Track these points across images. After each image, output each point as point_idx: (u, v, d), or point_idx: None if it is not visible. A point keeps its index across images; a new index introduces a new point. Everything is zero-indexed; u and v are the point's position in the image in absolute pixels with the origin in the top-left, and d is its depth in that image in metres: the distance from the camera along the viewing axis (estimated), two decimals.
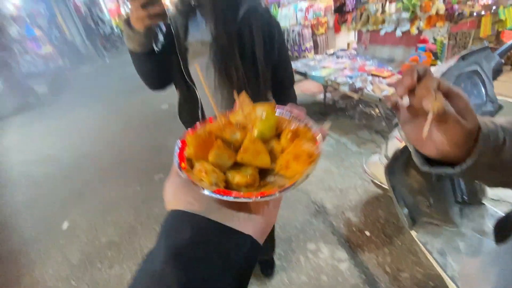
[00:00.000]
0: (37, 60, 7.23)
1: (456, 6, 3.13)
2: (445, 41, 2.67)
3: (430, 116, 0.30)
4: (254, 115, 0.30)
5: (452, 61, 0.90)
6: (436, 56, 2.65)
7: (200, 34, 0.89)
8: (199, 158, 0.27)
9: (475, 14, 3.34)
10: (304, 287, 1.53)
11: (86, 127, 4.38)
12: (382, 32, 3.26)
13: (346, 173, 2.32)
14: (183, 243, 0.23)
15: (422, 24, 2.87)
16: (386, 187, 1.41)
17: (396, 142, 1.40)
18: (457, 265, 1.14)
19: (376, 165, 1.72)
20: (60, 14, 9.43)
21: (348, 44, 4.93)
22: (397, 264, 1.54)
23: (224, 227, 0.24)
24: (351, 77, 2.79)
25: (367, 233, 1.76)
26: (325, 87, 3.22)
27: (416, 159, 0.41)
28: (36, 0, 8.44)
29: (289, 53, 3.75)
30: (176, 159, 0.28)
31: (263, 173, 0.28)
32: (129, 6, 0.77)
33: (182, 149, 0.29)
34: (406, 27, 2.95)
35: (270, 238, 1.53)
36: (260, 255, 1.62)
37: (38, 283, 1.80)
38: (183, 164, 0.27)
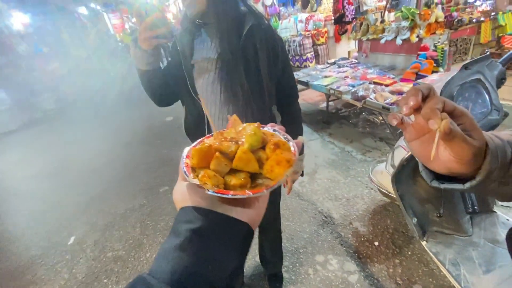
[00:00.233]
0: (45, 76, 7.40)
1: (455, 13, 3.17)
2: (446, 48, 2.69)
3: (437, 137, 0.31)
4: (244, 132, 0.37)
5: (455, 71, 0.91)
6: (437, 63, 2.66)
7: (205, 52, 0.92)
8: (202, 166, 0.34)
9: (474, 20, 3.38)
10: None
11: (92, 140, 4.43)
12: (382, 41, 3.29)
13: (352, 182, 2.30)
14: (197, 229, 0.29)
15: (422, 32, 2.90)
16: (393, 195, 1.40)
17: (402, 151, 1.40)
18: (471, 276, 1.11)
19: (382, 173, 1.70)
20: (66, 31, 9.72)
21: (349, 53, 4.99)
22: (408, 275, 1.51)
23: (227, 217, 0.31)
24: (353, 86, 2.81)
25: (376, 243, 1.73)
26: (328, 96, 3.24)
27: (424, 175, 0.41)
28: (43, 18, 8.73)
29: (291, 63, 3.80)
30: (183, 168, 0.35)
31: (253, 176, 0.35)
32: (135, 23, 0.80)
33: (186, 160, 0.37)
34: (406, 35, 2.98)
35: (278, 251, 1.51)
36: (268, 269, 1.60)
37: None
38: (191, 173, 0.34)
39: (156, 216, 2.35)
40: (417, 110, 0.34)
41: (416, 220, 1.30)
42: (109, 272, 1.89)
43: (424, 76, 2.60)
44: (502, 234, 1.23)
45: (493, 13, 3.50)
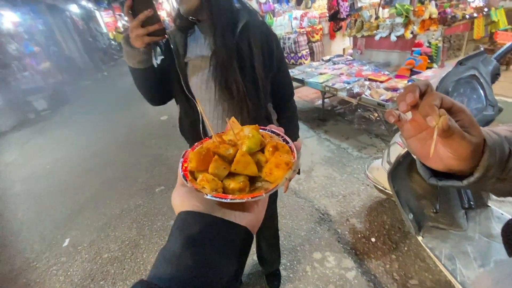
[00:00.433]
0: (36, 76, 7.27)
1: (448, 10, 3.19)
2: (440, 44, 2.70)
3: (435, 134, 0.30)
4: (243, 134, 0.37)
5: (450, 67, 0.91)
6: (431, 59, 2.67)
7: (199, 49, 0.90)
8: (200, 170, 0.34)
9: (467, 16, 3.40)
10: None
11: (86, 141, 4.38)
12: (377, 37, 3.30)
13: (349, 179, 2.31)
14: (195, 234, 0.29)
15: (416, 28, 2.91)
16: (390, 192, 1.41)
17: (397, 147, 1.40)
18: (467, 271, 1.13)
19: (378, 170, 1.71)
20: (58, 29, 9.56)
21: (344, 50, 4.99)
22: (405, 270, 1.52)
23: (225, 221, 0.31)
24: (348, 83, 2.81)
25: (373, 239, 1.74)
26: (323, 93, 3.24)
27: (422, 172, 0.40)
28: (34, 16, 8.57)
29: (286, 60, 3.79)
30: (181, 173, 0.34)
31: (252, 179, 0.34)
32: (128, 21, 0.78)
33: (184, 164, 0.36)
34: (400, 31, 2.99)
35: (275, 249, 1.51)
36: (266, 268, 1.60)
37: None
38: (189, 177, 0.34)
39: (153, 216, 2.33)
40: (414, 106, 0.34)
41: (412, 215, 1.31)
42: (105, 274, 1.87)
43: (419, 73, 2.61)
44: (497, 228, 1.25)
45: (486, 9, 3.53)
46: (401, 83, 2.51)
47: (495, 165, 0.33)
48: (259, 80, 0.88)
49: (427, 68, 2.65)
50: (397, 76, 2.71)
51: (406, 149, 1.19)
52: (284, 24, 5.35)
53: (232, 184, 0.32)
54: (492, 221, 1.29)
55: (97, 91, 7.99)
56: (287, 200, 2.19)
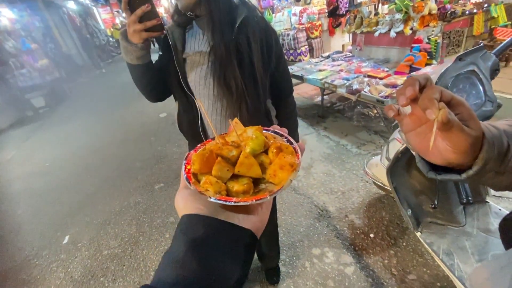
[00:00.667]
0: (34, 73, 7.22)
1: (448, 6, 3.17)
2: (439, 40, 2.69)
3: (435, 127, 0.30)
4: (246, 136, 0.36)
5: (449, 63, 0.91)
6: (431, 56, 2.67)
7: (197, 45, 0.89)
8: (203, 172, 0.33)
9: (467, 12, 3.39)
10: None
11: (85, 138, 4.36)
12: (376, 34, 3.28)
13: (348, 175, 2.32)
14: (199, 238, 0.28)
15: (415, 24, 2.90)
16: (388, 188, 1.41)
17: (396, 143, 1.40)
18: (465, 266, 1.13)
19: (377, 166, 1.71)
20: (55, 26, 9.48)
21: (343, 46, 4.98)
22: (403, 266, 1.53)
23: (229, 224, 0.30)
24: (347, 79, 2.80)
25: (371, 235, 1.75)
26: (322, 90, 3.24)
27: (421, 166, 0.40)
28: (30, 13, 8.48)
29: (285, 57, 3.77)
30: (184, 175, 0.34)
31: (256, 181, 0.34)
32: (126, 18, 0.77)
33: (187, 166, 0.36)
34: (399, 28, 2.98)
35: (275, 245, 1.52)
36: (266, 263, 1.61)
37: None
38: (192, 179, 0.33)
39: (152, 213, 2.34)
40: (414, 100, 0.34)
41: (410, 211, 1.31)
42: (105, 270, 1.88)
43: (418, 69, 2.61)
44: (495, 224, 1.25)
45: (485, 5, 3.51)
46: (401, 80, 2.50)
47: (493, 159, 0.34)
48: (258, 76, 0.87)
49: (427, 64, 2.64)
50: (397, 73, 2.70)
51: (405, 145, 1.19)
52: (283, 20, 5.32)
53: (235, 186, 0.32)
54: (490, 216, 1.30)
55: (95, 89, 7.95)
56: (286, 196, 2.19)
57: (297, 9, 5.09)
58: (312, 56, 4.98)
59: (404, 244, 1.65)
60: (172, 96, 1.01)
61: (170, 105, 1.03)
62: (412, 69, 2.65)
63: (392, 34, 3.08)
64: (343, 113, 3.42)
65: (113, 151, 3.70)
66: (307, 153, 2.71)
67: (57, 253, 2.12)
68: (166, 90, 0.99)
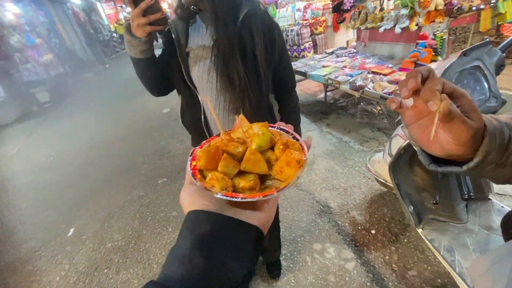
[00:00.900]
0: (38, 68, 7.27)
1: (455, 1, 3.12)
2: (445, 36, 2.66)
3: (436, 118, 0.30)
4: (252, 132, 0.36)
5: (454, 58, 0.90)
6: (436, 52, 2.63)
7: (200, 39, 0.90)
8: (209, 169, 0.33)
9: (474, 8, 3.32)
10: None
11: (89, 133, 4.40)
12: (381, 30, 3.25)
13: (350, 172, 2.32)
14: (205, 234, 0.28)
15: (421, 20, 2.86)
16: (391, 184, 1.41)
17: (399, 139, 1.40)
18: (465, 262, 1.14)
19: (379, 163, 1.71)
20: (59, 21, 9.50)
21: (347, 42, 4.93)
22: (404, 262, 1.54)
23: (236, 220, 0.30)
24: (351, 75, 2.79)
25: (373, 231, 1.75)
26: (326, 86, 3.22)
27: (422, 158, 0.41)
28: (35, 8, 8.51)
29: (289, 53, 3.75)
30: (189, 171, 0.34)
31: (262, 178, 0.34)
32: (129, 13, 0.77)
33: (192, 162, 0.36)
34: (405, 23, 2.94)
35: (276, 240, 1.53)
36: (267, 257, 1.62)
37: None
38: (198, 175, 0.33)
39: (155, 207, 2.36)
40: (416, 93, 0.34)
41: (412, 208, 1.31)
42: (109, 262, 1.91)
43: (423, 65, 2.58)
44: (497, 221, 1.25)
45: (493, 1, 3.44)
46: (405, 76, 2.48)
47: (494, 150, 0.34)
48: (261, 70, 0.87)
49: (432, 61, 2.61)
50: (401, 69, 2.68)
51: (407, 141, 1.18)
52: (287, 15, 5.27)
53: (242, 182, 0.32)
54: (493, 213, 1.30)
55: (99, 84, 7.98)
56: (288, 192, 2.20)
57: (301, 4, 5.04)
58: (316, 52, 4.93)
59: (405, 240, 1.66)
60: (175, 91, 1.02)
61: (173, 101, 1.04)
62: (417, 65, 2.62)
63: (397, 30, 3.04)
64: (346, 110, 3.40)
65: (117, 146, 3.73)
66: (310, 149, 2.70)
67: (63, 245, 2.16)
68: (170, 84, 0.99)
